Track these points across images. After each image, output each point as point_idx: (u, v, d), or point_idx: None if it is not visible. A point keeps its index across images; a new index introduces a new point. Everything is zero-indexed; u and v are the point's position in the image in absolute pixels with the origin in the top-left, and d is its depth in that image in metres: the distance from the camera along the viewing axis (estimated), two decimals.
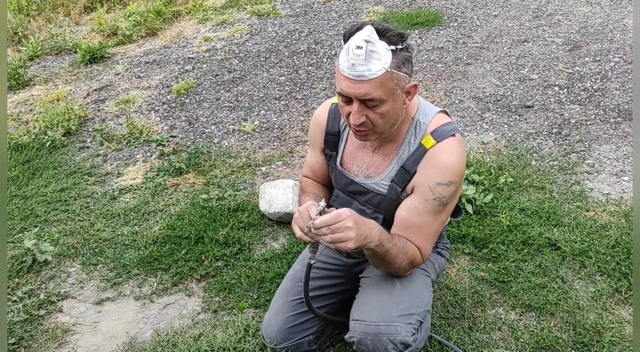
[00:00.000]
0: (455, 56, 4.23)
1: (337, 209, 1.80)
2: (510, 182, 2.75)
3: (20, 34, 5.73)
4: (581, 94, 3.56)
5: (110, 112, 3.97)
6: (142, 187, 3.05)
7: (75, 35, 5.71)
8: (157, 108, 3.97)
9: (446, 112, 1.65)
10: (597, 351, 1.87)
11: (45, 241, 2.59)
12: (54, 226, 2.77)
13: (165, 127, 3.69)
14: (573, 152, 3.00)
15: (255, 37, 5.04)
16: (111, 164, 3.33)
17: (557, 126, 3.25)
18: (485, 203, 2.59)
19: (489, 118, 3.42)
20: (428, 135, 1.58)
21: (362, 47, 1.39)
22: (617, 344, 1.88)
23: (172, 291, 2.31)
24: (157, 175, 3.15)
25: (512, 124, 3.33)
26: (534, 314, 2.03)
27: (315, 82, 4.10)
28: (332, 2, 5.69)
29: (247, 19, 5.56)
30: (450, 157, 1.55)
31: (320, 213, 1.43)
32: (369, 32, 1.39)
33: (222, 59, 4.65)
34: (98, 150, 3.49)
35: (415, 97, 1.60)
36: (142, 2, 6.22)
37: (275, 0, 5.96)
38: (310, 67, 4.34)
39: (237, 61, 4.59)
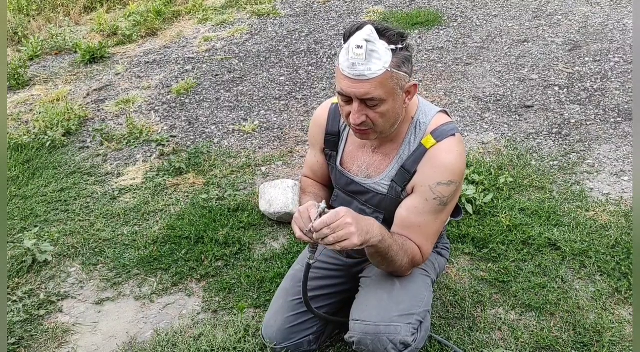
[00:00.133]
0: (455, 56, 4.24)
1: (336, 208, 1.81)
2: (510, 182, 2.75)
3: (20, 34, 5.73)
4: (581, 94, 3.56)
5: (110, 112, 3.97)
6: (142, 187, 3.05)
7: (75, 35, 5.71)
8: (157, 108, 3.97)
9: (446, 112, 1.65)
10: (597, 351, 1.87)
11: (45, 241, 2.59)
12: (54, 226, 2.77)
13: (165, 127, 3.69)
14: (573, 152, 3.00)
15: (255, 37, 5.04)
16: (111, 164, 3.33)
17: (557, 126, 3.25)
18: (485, 203, 2.59)
19: (489, 118, 3.42)
20: (428, 135, 1.58)
21: (362, 46, 1.39)
22: (617, 344, 1.88)
23: (172, 291, 2.31)
24: (157, 175, 3.15)
25: (512, 124, 3.33)
26: (534, 314, 2.03)
27: (315, 82, 4.10)
28: (332, 2, 5.70)
29: (247, 19, 5.56)
30: (450, 157, 1.55)
31: (320, 215, 1.42)
32: (369, 31, 1.39)
33: (222, 59, 4.65)
34: (98, 150, 3.49)
35: (415, 96, 1.60)
36: (142, 2, 6.22)
37: (275, 0, 5.96)
38: (310, 67, 4.34)
39: (237, 61, 4.59)
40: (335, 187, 1.83)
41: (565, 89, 3.62)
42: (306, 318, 1.82)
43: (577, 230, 2.41)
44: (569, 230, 2.41)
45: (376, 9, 5.30)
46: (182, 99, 4.06)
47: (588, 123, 3.25)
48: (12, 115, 4.04)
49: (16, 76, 4.55)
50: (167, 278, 2.37)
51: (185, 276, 2.37)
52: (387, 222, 1.68)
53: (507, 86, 3.75)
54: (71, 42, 5.35)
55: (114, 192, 3.03)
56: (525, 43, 4.32)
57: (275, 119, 3.67)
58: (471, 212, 2.54)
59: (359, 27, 1.42)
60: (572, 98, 3.52)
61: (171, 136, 3.56)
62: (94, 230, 2.71)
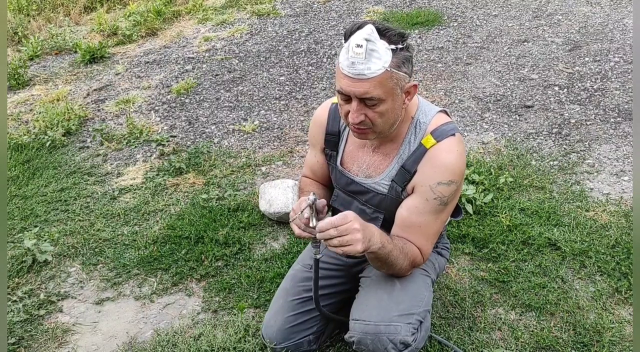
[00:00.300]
0: (455, 56, 4.24)
1: (336, 208, 1.81)
2: (510, 182, 2.75)
3: (20, 34, 5.73)
4: (581, 94, 3.56)
5: (110, 112, 3.97)
6: (142, 187, 3.05)
7: (75, 35, 5.71)
8: (157, 108, 3.97)
9: (446, 112, 1.65)
10: (597, 351, 1.87)
11: (45, 240, 2.59)
12: (54, 226, 2.77)
13: (165, 127, 3.69)
14: (573, 152, 3.00)
15: (255, 37, 5.04)
16: (111, 164, 3.33)
17: (557, 126, 3.25)
18: (485, 203, 2.59)
19: (489, 118, 3.42)
20: (428, 134, 1.58)
21: (362, 45, 1.39)
22: (617, 344, 1.88)
23: (172, 291, 2.31)
24: (157, 175, 3.15)
25: (512, 124, 3.33)
26: (534, 314, 2.03)
27: (315, 82, 4.10)
28: (332, 2, 5.70)
29: (247, 18, 5.56)
30: (450, 157, 1.55)
31: (310, 206, 1.44)
32: (369, 31, 1.39)
33: (222, 59, 4.65)
34: (98, 150, 3.49)
35: (415, 96, 1.60)
36: (142, 2, 6.22)
37: (275, 0, 5.96)
38: (310, 67, 4.34)
39: (237, 61, 4.59)
40: (336, 187, 1.83)
41: (565, 89, 3.62)
42: (306, 318, 1.82)
43: (577, 230, 2.41)
44: (569, 230, 2.41)
45: (376, 9, 5.30)
46: (182, 99, 4.06)
47: (588, 123, 3.25)
48: (12, 115, 4.04)
49: (16, 76, 4.56)
50: (167, 278, 2.37)
51: (185, 275, 2.37)
52: (388, 222, 1.68)
53: (507, 86, 3.75)
54: (71, 42, 5.35)
55: (114, 192, 3.03)
56: (525, 43, 4.32)
57: (275, 119, 3.67)
58: (471, 212, 2.54)
59: (360, 26, 1.42)
60: (572, 98, 3.52)
61: (171, 136, 3.56)
62: (94, 230, 2.71)
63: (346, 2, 5.62)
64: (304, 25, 5.18)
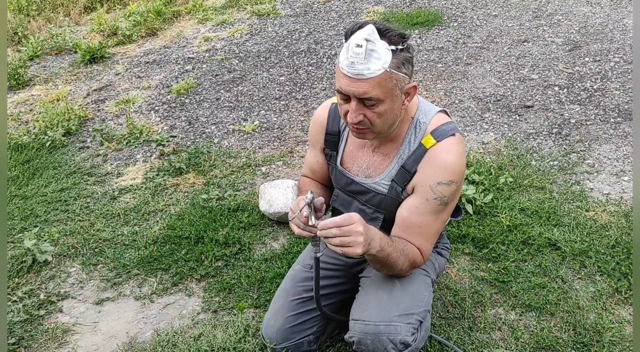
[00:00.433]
0: (455, 56, 4.24)
1: (336, 208, 1.81)
2: (510, 182, 2.75)
3: (20, 34, 5.73)
4: (581, 94, 3.56)
5: (110, 112, 3.97)
6: (142, 187, 3.05)
7: (75, 35, 5.71)
8: (157, 108, 3.97)
9: (446, 112, 1.65)
10: (597, 351, 1.87)
11: (45, 241, 2.59)
12: (54, 226, 2.77)
13: (165, 127, 3.69)
14: (573, 152, 3.00)
15: (255, 37, 5.04)
16: (111, 164, 3.33)
17: (557, 126, 3.25)
18: (485, 203, 2.59)
19: (489, 118, 3.42)
20: (428, 134, 1.58)
21: (362, 45, 1.39)
22: (617, 344, 1.88)
23: (172, 291, 2.31)
24: (157, 175, 3.15)
25: (512, 124, 3.33)
26: (534, 314, 2.03)
27: (315, 82, 4.10)
28: (332, 2, 5.70)
29: (247, 19, 5.56)
30: (450, 157, 1.55)
31: (309, 204, 1.44)
32: (369, 31, 1.39)
33: (222, 59, 4.65)
34: (98, 150, 3.49)
35: (415, 97, 1.60)
36: (142, 2, 6.22)
37: (275, 0, 5.96)
38: (310, 67, 4.34)
39: (237, 61, 4.59)
40: (336, 187, 1.83)
41: (565, 89, 3.62)
42: (306, 318, 1.82)
43: (577, 230, 2.41)
44: (569, 230, 2.41)
45: (376, 9, 5.30)
46: (182, 99, 4.06)
47: (588, 123, 3.25)
48: (12, 115, 4.04)
49: (16, 76, 4.56)
50: (167, 278, 2.37)
51: (185, 276, 2.37)
52: (388, 222, 1.68)
53: (507, 86, 3.75)
54: (71, 42, 5.35)
55: (114, 192, 3.03)
56: (525, 43, 4.32)
57: (275, 119, 3.67)
58: (471, 212, 2.54)
59: (361, 26, 1.41)
60: (572, 98, 3.52)
61: (171, 136, 3.56)
62: (94, 230, 2.71)
63: (346, 2, 5.63)
64: (304, 25, 5.18)
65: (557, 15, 4.75)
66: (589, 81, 3.68)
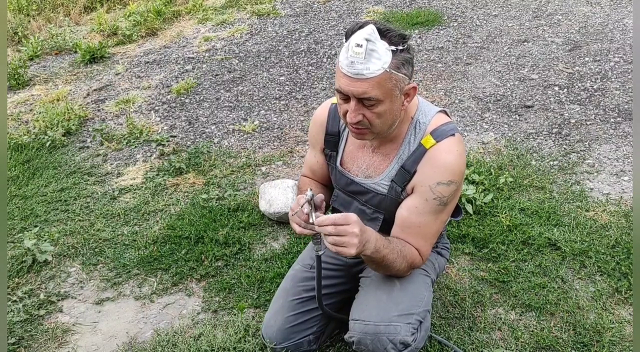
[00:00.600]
0: (455, 56, 4.24)
1: (336, 208, 1.81)
2: (510, 182, 2.75)
3: (20, 34, 5.74)
4: (581, 94, 3.56)
5: (110, 112, 3.97)
6: (142, 187, 3.05)
7: (75, 35, 5.71)
8: (157, 108, 3.97)
9: (445, 112, 1.65)
10: (597, 351, 1.87)
11: (45, 240, 2.59)
12: (54, 226, 2.77)
13: (165, 127, 3.69)
14: (573, 152, 3.00)
15: (255, 37, 5.04)
16: (111, 164, 3.33)
17: (557, 126, 3.25)
18: (485, 203, 2.59)
19: (489, 118, 3.42)
20: (428, 135, 1.58)
21: (362, 45, 1.38)
22: (617, 344, 1.88)
23: (172, 291, 2.31)
24: (157, 175, 3.15)
25: (512, 124, 3.33)
26: (534, 314, 2.03)
27: (315, 82, 4.10)
28: (332, 2, 5.69)
29: (247, 18, 5.56)
30: (450, 157, 1.55)
31: (309, 202, 1.44)
32: (370, 31, 1.39)
33: (222, 59, 4.65)
34: (98, 150, 3.49)
35: (414, 97, 1.60)
36: (142, 2, 6.22)
37: (275, 0, 5.96)
38: (310, 67, 4.34)
39: (237, 61, 4.59)
40: (335, 187, 1.83)
41: (565, 89, 3.62)
42: (306, 318, 1.82)
43: (577, 230, 2.41)
44: (569, 230, 2.41)
45: (376, 9, 5.30)
46: (182, 99, 4.06)
47: (588, 123, 3.25)
48: (12, 115, 4.05)
49: (16, 76, 4.56)
50: (167, 278, 2.37)
51: (185, 275, 2.37)
52: (387, 222, 1.68)
53: (507, 86, 3.75)
54: (71, 42, 5.35)
55: (114, 192, 3.03)
56: (525, 43, 4.32)
57: (275, 119, 3.67)
58: (471, 212, 2.54)
59: (361, 26, 1.41)
60: (572, 98, 3.52)
61: (171, 136, 3.56)
62: (94, 230, 2.71)
63: (346, 2, 5.63)
64: (304, 25, 5.18)
65: (557, 15, 4.75)
66: (589, 81, 3.68)
